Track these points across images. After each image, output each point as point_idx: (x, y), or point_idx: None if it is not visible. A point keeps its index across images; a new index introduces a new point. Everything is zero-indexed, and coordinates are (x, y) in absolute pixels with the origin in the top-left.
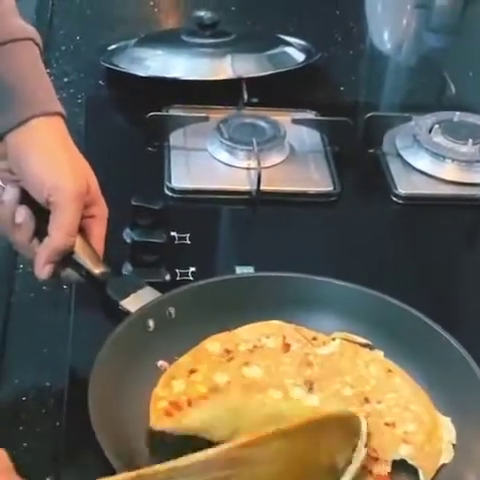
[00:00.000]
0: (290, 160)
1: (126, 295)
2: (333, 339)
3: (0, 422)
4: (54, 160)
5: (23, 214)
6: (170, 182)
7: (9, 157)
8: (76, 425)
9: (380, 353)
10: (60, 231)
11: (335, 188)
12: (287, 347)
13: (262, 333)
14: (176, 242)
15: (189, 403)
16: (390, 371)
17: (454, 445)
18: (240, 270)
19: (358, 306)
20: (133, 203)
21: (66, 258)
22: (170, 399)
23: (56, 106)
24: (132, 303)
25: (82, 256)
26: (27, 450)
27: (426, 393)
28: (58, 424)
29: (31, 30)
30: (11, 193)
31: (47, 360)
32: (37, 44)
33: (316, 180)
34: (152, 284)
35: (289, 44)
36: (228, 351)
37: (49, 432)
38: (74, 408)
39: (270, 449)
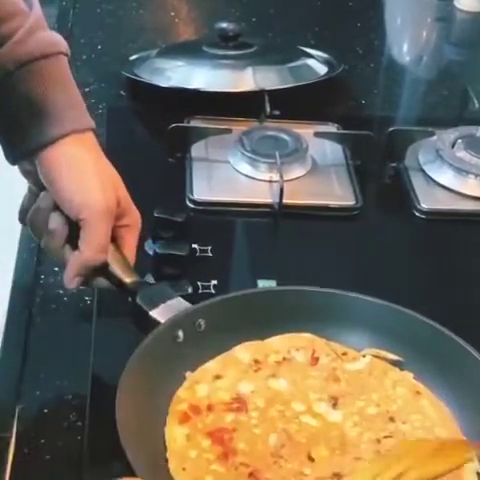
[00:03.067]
0: (312, 173)
1: (156, 305)
2: (363, 356)
3: (21, 435)
4: (83, 177)
5: (56, 221)
6: (192, 194)
7: (40, 173)
8: (98, 439)
9: (410, 375)
10: (90, 248)
11: (357, 202)
12: (316, 360)
13: (293, 345)
14: (198, 254)
15: (209, 408)
16: (418, 393)
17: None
18: (262, 283)
19: (390, 323)
20: (155, 215)
21: (97, 267)
22: (191, 402)
23: (87, 121)
24: (162, 313)
25: (114, 265)
26: (48, 463)
27: (455, 417)
28: (80, 438)
29: (60, 42)
30: (45, 200)
31: (69, 372)
32: (66, 54)
33: (338, 194)
34: None
35: (311, 56)
36: (257, 361)
37: (71, 445)
38: (96, 421)
39: None
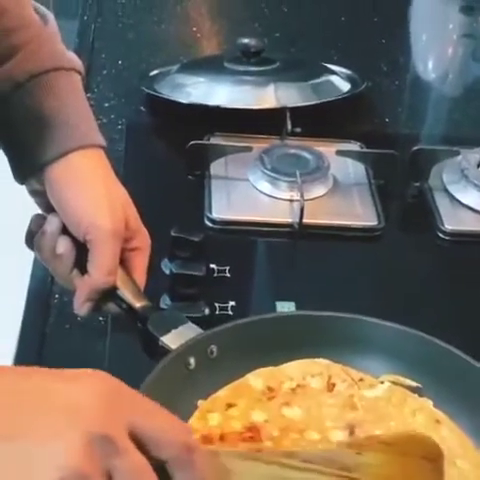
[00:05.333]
0: (333, 192)
1: (167, 331)
2: (381, 382)
3: None
4: (92, 196)
5: (64, 245)
6: (210, 212)
7: (48, 191)
8: None
9: (429, 402)
10: (99, 270)
11: (379, 222)
12: (332, 387)
13: (308, 371)
14: (215, 275)
15: (222, 438)
16: (438, 422)
17: None
18: (280, 305)
19: (408, 349)
20: (172, 234)
21: (107, 292)
22: (203, 432)
23: (96, 138)
24: (173, 340)
25: (123, 290)
26: None
27: (477, 447)
28: None
29: (73, 58)
30: (53, 223)
31: None
32: (79, 72)
33: (360, 214)
34: (191, 319)
35: (334, 73)
36: (270, 389)
37: None
38: None
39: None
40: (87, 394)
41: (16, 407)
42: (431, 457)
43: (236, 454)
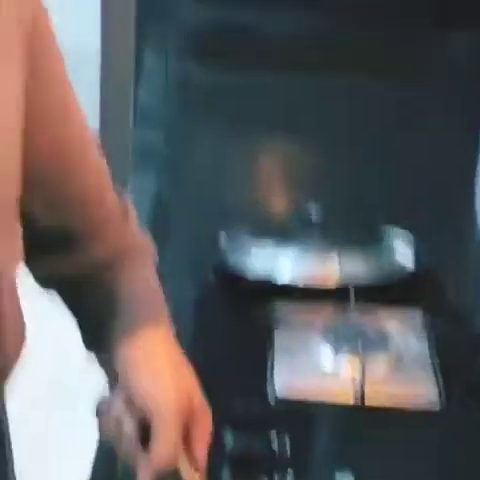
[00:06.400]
0: (395, 369)
1: None
2: None
3: None
4: (158, 376)
5: (129, 426)
6: (272, 385)
7: (117, 368)
8: None
9: None
10: (161, 454)
11: (441, 402)
12: None
13: None
14: (276, 447)
15: None
16: None
17: None
18: (340, 476)
19: None
20: (234, 406)
21: (169, 473)
22: None
23: (162, 317)
24: None
25: (183, 471)
26: None
27: None
28: None
29: (146, 241)
30: (119, 408)
31: None
32: (152, 254)
33: (421, 392)
34: None
35: (398, 245)
36: None
37: None
38: None
39: None
40: None
41: None
42: None
43: None
